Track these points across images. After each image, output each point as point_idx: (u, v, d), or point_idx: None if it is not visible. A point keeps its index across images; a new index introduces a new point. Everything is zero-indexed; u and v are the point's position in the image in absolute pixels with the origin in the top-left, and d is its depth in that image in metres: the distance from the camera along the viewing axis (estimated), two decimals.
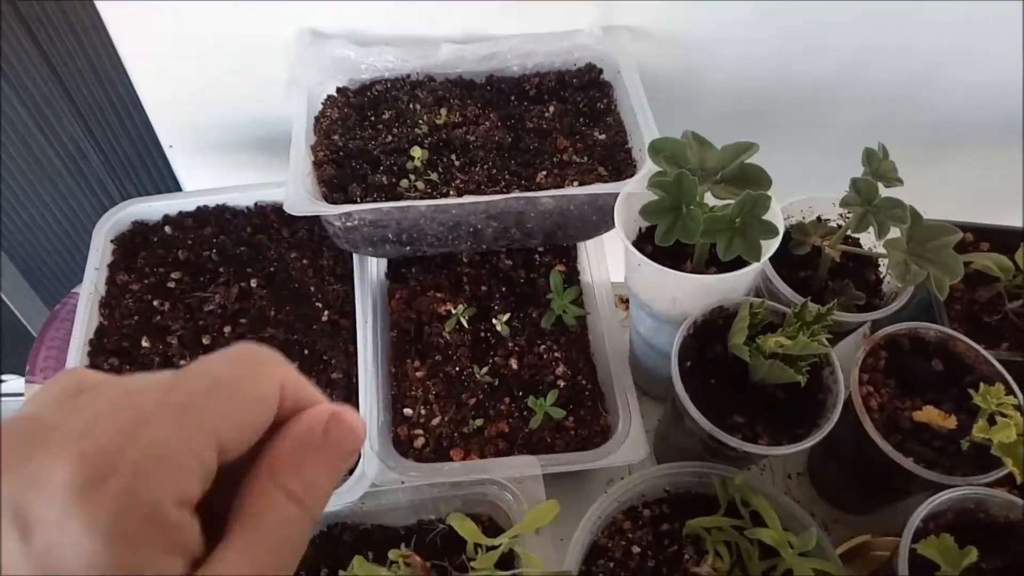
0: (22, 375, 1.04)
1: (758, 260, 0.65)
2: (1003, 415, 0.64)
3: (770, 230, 0.65)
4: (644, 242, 0.76)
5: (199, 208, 0.91)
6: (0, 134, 1.10)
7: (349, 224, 0.77)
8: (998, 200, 1.08)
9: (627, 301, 0.92)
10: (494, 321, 0.83)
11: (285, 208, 0.72)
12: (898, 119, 1.06)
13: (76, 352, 0.79)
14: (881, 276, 0.81)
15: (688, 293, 0.70)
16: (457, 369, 0.81)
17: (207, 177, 1.09)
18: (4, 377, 1.01)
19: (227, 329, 0.82)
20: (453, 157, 0.82)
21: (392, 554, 0.68)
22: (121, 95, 1.08)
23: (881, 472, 0.70)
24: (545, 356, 0.82)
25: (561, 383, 0.80)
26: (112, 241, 0.88)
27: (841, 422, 0.73)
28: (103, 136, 1.17)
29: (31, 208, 1.24)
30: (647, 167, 0.77)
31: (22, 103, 1.09)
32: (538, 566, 0.62)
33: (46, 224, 1.25)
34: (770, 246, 0.67)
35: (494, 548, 0.66)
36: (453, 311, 0.83)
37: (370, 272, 0.85)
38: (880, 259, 0.81)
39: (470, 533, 0.64)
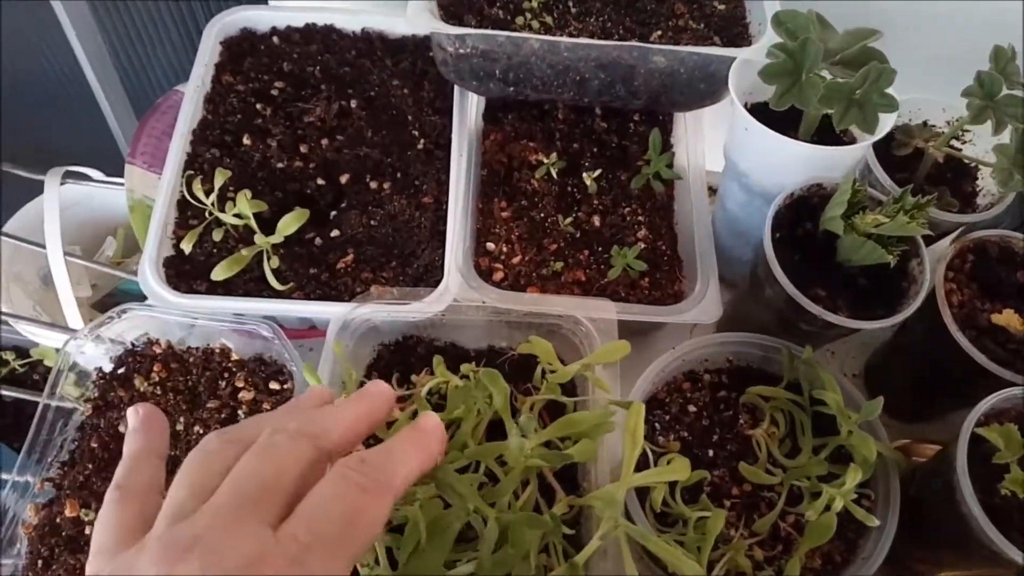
0: (109, 172, 1.07)
1: (872, 133, 0.65)
2: None
3: (890, 104, 0.65)
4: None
5: (307, 25, 0.91)
6: None
7: (461, 51, 0.77)
8: None
9: (714, 191, 0.92)
10: (584, 175, 0.84)
11: (406, 20, 0.73)
12: None
13: (180, 139, 0.81)
14: (978, 189, 0.81)
15: (791, 162, 0.71)
16: (542, 215, 0.82)
17: None
18: (91, 172, 1.04)
19: (324, 142, 0.84)
20: (570, 4, 0.82)
21: (464, 368, 0.71)
22: None
23: (948, 371, 0.71)
24: (628, 218, 0.83)
25: (642, 245, 0.81)
26: (221, 43, 0.89)
27: (917, 316, 0.74)
28: None
29: (132, 23, 1.25)
30: (765, 39, 0.76)
31: None
32: (606, 390, 0.65)
33: (144, 39, 1.26)
34: (885, 123, 0.66)
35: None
36: (544, 160, 0.84)
37: (469, 110, 0.86)
38: (980, 169, 0.80)
39: (545, 352, 0.67)
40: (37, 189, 1.07)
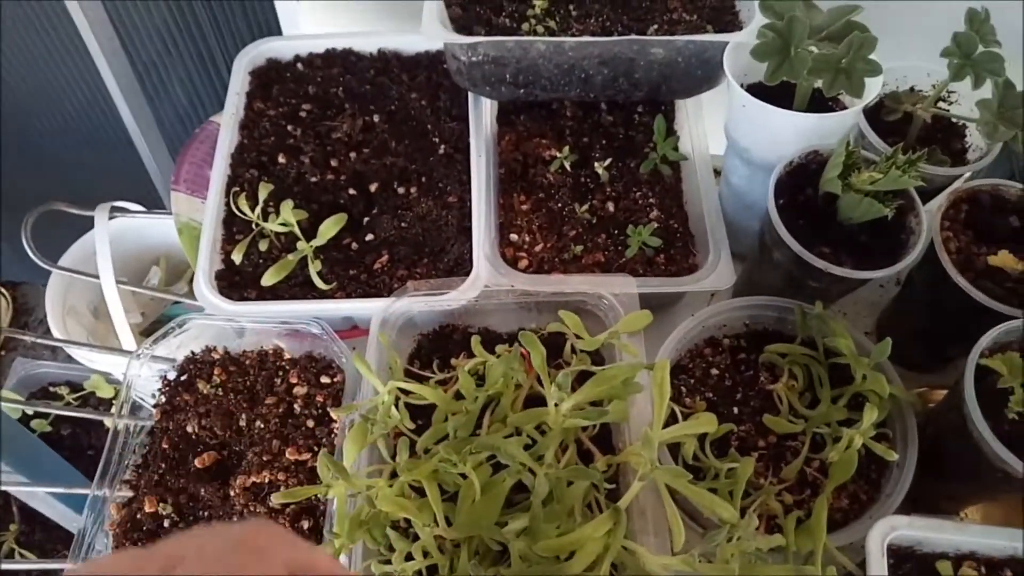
0: (144, 206, 1.15)
1: (860, 97, 0.70)
2: None
3: (874, 69, 0.70)
4: None
5: (327, 50, 0.99)
6: None
7: (473, 59, 0.83)
8: None
9: (718, 172, 0.97)
10: (595, 165, 0.90)
11: (422, 31, 0.79)
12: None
13: (221, 163, 0.88)
14: (967, 145, 0.85)
15: (788, 133, 0.76)
16: (559, 205, 0.88)
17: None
18: (128, 205, 1.11)
19: (352, 155, 0.90)
20: (571, 7, 0.88)
21: (498, 348, 0.76)
22: None
23: (952, 314, 0.76)
24: (640, 202, 0.89)
25: (655, 225, 0.86)
26: (250, 73, 0.96)
27: (919, 268, 0.79)
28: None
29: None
30: (754, 23, 0.82)
31: None
32: (634, 354, 0.70)
33: (164, 77, 1.34)
34: (872, 88, 0.72)
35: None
36: (557, 155, 0.90)
37: (483, 115, 0.92)
38: (967, 127, 0.85)
39: (574, 324, 0.72)
40: (81, 227, 1.15)
